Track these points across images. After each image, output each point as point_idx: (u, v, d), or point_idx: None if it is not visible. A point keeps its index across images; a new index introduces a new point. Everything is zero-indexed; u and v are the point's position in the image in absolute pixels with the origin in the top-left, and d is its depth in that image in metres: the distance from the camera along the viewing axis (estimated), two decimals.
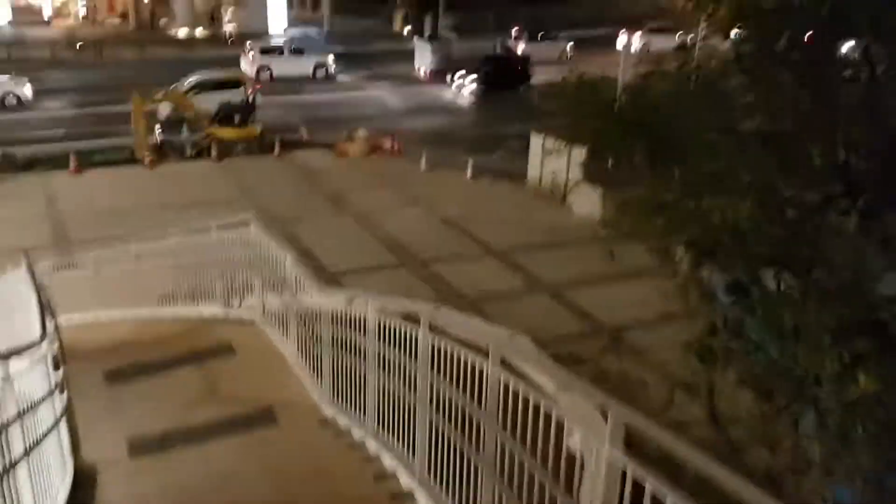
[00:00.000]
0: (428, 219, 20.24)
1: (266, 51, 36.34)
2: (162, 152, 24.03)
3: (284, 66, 35.39)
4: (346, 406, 6.64)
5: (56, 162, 22.76)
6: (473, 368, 4.63)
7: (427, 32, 42.82)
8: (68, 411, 6.56)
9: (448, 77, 35.34)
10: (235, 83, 27.70)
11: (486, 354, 4.46)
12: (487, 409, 4.34)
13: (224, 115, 25.09)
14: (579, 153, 20.82)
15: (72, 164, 22.34)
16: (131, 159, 23.49)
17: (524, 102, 29.57)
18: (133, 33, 43.53)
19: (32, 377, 5.55)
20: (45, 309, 6.45)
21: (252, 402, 7.33)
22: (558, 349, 12.98)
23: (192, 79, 28.25)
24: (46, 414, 5.58)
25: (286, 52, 36.38)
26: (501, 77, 34.08)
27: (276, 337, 8.37)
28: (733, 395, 8.50)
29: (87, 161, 22.90)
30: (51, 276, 12.64)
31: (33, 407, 5.12)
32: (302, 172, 23.58)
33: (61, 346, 6.70)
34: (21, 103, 29.47)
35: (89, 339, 9.49)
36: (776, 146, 6.29)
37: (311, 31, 45.94)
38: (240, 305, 9.36)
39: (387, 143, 25.49)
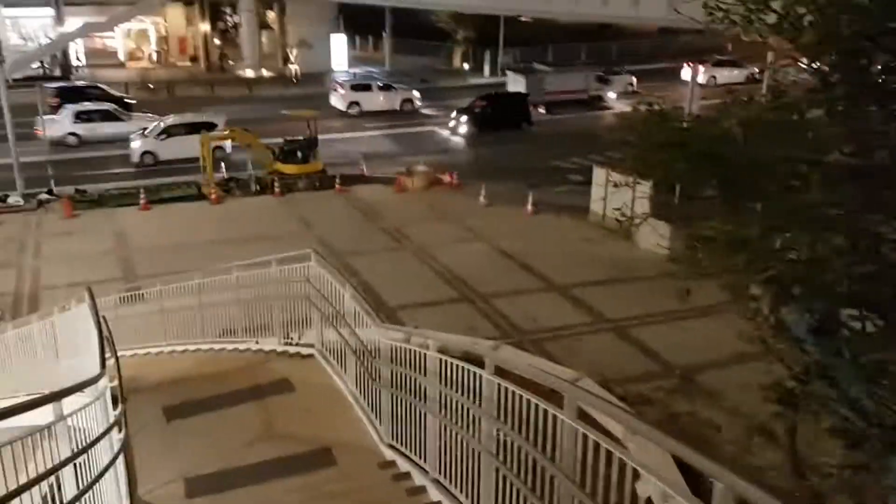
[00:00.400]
0: (488, 253, 20.00)
1: (356, 87, 37.55)
2: (227, 188, 24.52)
3: (373, 101, 36.59)
4: (407, 448, 6.39)
5: (126, 198, 23.43)
6: (541, 413, 4.34)
7: (487, 69, 43.02)
8: (126, 449, 6.48)
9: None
10: (209, 126, 26.96)
11: (548, 393, 4.17)
12: (563, 463, 4.00)
13: (287, 152, 25.51)
14: (645, 186, 20.35)
15: (142, 200, 22.95)
16: (198, 195, 24.02)
17: (587, 135, 29.22)
18: (203, 74, 45.05)
19: (90, 414, 5.47)
20: (106, 345, 6.42)
21: (310, 441, 7.14)
22: (625, 389, 12.52)
23: (163, 123, 28.08)
24: (104, 452, 5.48)
25: (375, 87, 37.64)
26: (497, 117, 32.55)
27: (334, 372, 8.21)
28: (815, 442, 7.94)
29: (156, 197, 23.51)
30: (116, 309, 12.91)
31: (91, 445, 5.01)
32: (362, 206, 23.71)
33: (121, 382, 6.65)
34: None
35: (151, 373, 9.51)
36: (866, 180, 5.86)
37: (373, 69, 46.86)
38: (299, 340, 9.26)
39: (446, 177, 25.47)
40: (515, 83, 38.33)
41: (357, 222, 22.44)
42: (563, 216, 22.49)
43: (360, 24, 50.73)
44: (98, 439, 5.35)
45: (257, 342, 9.96)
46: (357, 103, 36.33)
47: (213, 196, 23.59)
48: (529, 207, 22.83)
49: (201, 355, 10.33)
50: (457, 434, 5.33)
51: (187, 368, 9.44)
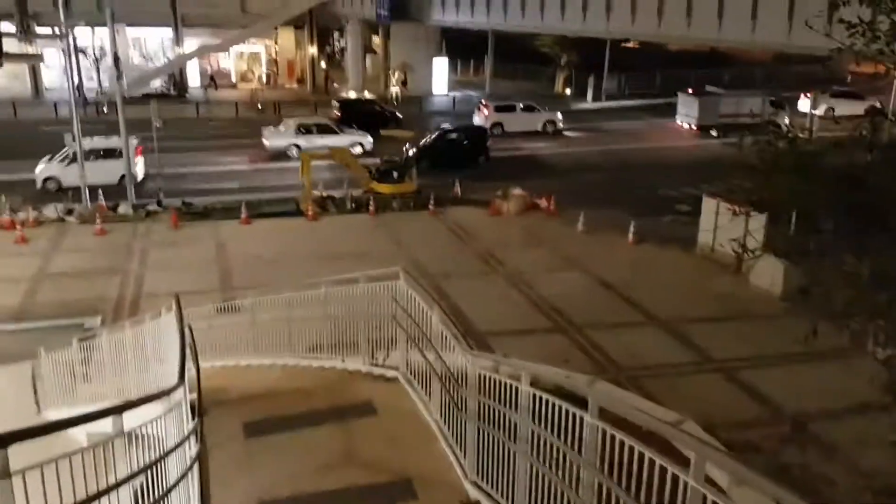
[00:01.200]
0: (585, 282, 19.19)
1: (500, 108, 38.11)
2: (324, 206, 24.76)
3: (516, 122, 37.23)
4: (493, 488, 5.81)
5: (229, 212, 24.00)
6: (646, 463, 3.71)
7: (590, 94, 42.25)
8: (201, 464, 6.20)
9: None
10: (118, 152, 26.07)
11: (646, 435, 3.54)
12: None
13: (383, 171, 25.57)
14: (758, 218, 19.11)
15: (243, 214, 23.45)
16: (296, 212, 24.35)
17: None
18: (308, 96, 46.33)
19: (162, 426, 5.20)
20: (187, 355, 6.19)
21: (390, 470, 6.68)
22: (731, 436, 11.49)
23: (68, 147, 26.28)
24: (176, 465, 5.21)
25: (518, 108, 38.16)
26: (447, 154, 30.11)
27: (418, 398, 7.74)
28: None
29: (256, 212, 23.98)
30: (210, 320, 12.94)
31: (158, 459, 4.72)
32: (455, 228, 23.38)
33: (200, 394, 6.40)
34: None
35: (236, 386, 9.33)
36: None
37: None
38: (384, 361, 8.86)
39: (542, 202, 24.83)
40: (688, 105, 38.42)
41: (449, 244, 22.10)
42: (669, 247, 21.42)
43: (462, 48, 51.09)
44: (168, 453, 5.08)
45: (343, 360, 9.64)
46: (500, 124, 36.84)
47: (309, 213, 23.84)
48: (631, 236, 21.88)
49: (287, 370, 10.10)
50: (552, 481, 4.73)
51: (272, 383, 9.21)
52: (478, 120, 37.37)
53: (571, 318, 16.95)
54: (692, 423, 10.27)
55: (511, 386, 5.41)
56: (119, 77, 24.43)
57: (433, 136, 31.02)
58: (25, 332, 15.20)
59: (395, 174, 25.51)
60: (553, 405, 4.80)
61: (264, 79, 49.40)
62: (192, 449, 5.96)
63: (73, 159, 25.09)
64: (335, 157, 25.49)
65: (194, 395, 7.40)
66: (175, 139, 34.32)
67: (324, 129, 32.55)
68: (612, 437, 4.10)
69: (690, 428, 10.24)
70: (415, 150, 29.84)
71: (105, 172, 25.86)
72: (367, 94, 45.39)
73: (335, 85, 48.31)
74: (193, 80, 47.18)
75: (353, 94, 45.25)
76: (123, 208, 24.19)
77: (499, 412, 5.58)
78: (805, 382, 13.95)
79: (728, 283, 19.11)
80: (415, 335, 7.68)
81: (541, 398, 4.94)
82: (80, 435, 5.05)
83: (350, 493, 6.36)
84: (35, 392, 12.79)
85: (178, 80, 45.50)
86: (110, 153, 26.69)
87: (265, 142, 32.28)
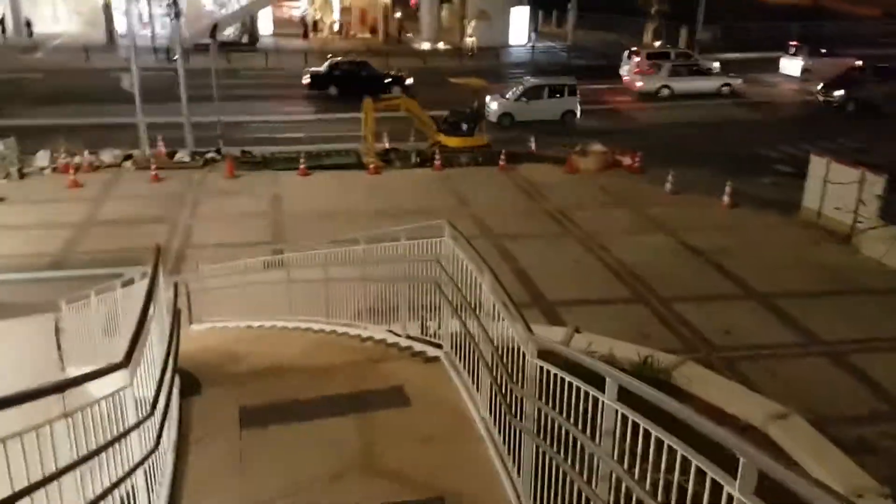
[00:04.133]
0: (671, 248, 17.00)
1: (652, 56, 35.41)
2: (387, 159, 23.15)
3: (687, 83, 34.23)
4: None
5: (288, 162, 22.69)
6: None
7: (682, 46, 39.05)
8: (176, 465, 4.71)
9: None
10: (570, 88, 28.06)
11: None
12: None
13: (452, 123, 23.70)
14: (875, 182, 16.52)
15: (301, 165, 22.11)
16: (357, 164, 22.84)
17: None
18: (380, 46, 44.59)
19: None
20: (152, 327, 4.64)
21: (420, 484, 5.04)
22: (841, 432, 9.50)
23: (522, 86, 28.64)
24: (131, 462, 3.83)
25: (690, 69, 35.25)
26: (530, 111, 27.76)
27: (463, 386, 6.04)
28: None
29: (315, 163, 22.60)
30: (245, 275, 11.63)
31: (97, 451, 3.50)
32: (526, 186, 21.40)
33: (168, 371, 4.87)
34: None
35: (250, 354, 7.87)
36: None
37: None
38: (426, 334, 7.19)
39: (626, 159, 22.53)
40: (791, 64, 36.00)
41: (519, 203, 20.17)
42: (768, 211, 18.96)
43: None
44: (102, 449, 3.65)
45: (379, 330, 8.07)
46: (667, 85, 33.93)
47: (371, 166, 22.27)
48: (726, 199, 19.46)
49: (316, 338, 8.59)
50: None
51: (292, 355, 7.69)
52: (625, 72, 35.12)
53: (655, 288, 14.90)
54: (797, 417, 8.43)
55: (587, 395, 3.63)
56: (177, 20, 23.21)
57: (520, 91, 28.60)
58: (61, 282, 14.23)
59: (465, 126, 23.57)
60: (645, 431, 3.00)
61: (335, 28, 47.85)
62: (163, 443, 4.47)
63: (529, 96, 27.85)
64: (401, 106, 23.73)
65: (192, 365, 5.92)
66: (243, 88, 33.45)
67: (695, 72, 32.95)
68: None
69: (795, 423, 8.35)
70: (497, 105, 27.83)
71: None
72: (441, 46, 43.29)
73: (408, 35, 46.36)
74: (265, 28, 46.07)
75: (426, 45, 43.24)
76: (181, 155, 23.19)
77: (571, 435, 3.81)
78: None
79: (836, 253, 16.68)
80: (460, 307, 5.96)
81: (642, 429, 3.14)
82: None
83: None
84: (59, 347, 11.72)
85: (249, 29, 44.44)
86: None
87: (636, 83, 32.63)
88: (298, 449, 5.47)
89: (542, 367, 4.33)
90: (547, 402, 4.22)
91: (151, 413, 4.18)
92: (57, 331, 11.80)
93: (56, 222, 17.99)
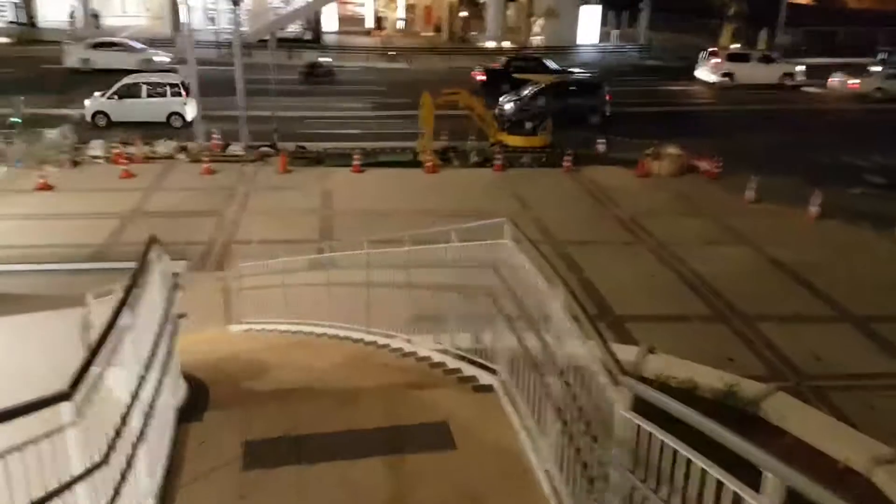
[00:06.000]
0: (754, 262, 15.40)
1: (733, 56, 34.64)
2: (446, 157, 22.05)
3: (749, 73, 33.60)
4: None
5: (342, 159, 21.83)
6: None
7: (760, 48, 37.01)
8: None
9: None
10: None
11: None
12: None
13: (515, 122, 22.45)
14: None
15: (355, 161, 21.21)
16: (414, 162, 21.82)
17: None
18: (444, 44, 43.65)
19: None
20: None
21: None
22: None
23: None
24: None
25: (753, 58, 34.56)
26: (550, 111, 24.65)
27: (523, 427, 4.83)
28: None
29: (370, 160, 21.67)
30: (285, 275, 10.70)
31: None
32: (593, 190, 20.00)
33: (197, 394, 3.81)
34: None
35: (273, 367, 6.82)
36: None
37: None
38: (479, 356, 6.00)
39: (704, 164, 20.90)
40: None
41: (585, 207, 18.79)
42: (860, 225, 17.15)
43: None
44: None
45: (419, 343, 6.95)
46: (730, 74, 33.22)
47: (428, 164, 21.20)
48: (813, 210, 17.70)
49: (348, 350, 7.53)
50: None
51: (318, 370, 6.61)
52: (700, 71, 34.12)
53: (736, 305, 13.38)
54: None
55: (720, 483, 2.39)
56: (235, 6, 22.65)
57: (532, 91, 26.13)
58: (97, 273, 13.56)
59: (529, 125, 22.30)
60: None
61: (399, 25, 47.13)
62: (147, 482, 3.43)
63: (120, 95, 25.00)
64: (461, 102, 22.61)
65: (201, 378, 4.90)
66: (302, 83, 32.96)
67: (765, 58, 32.69)
68: None
69: None
70: (90, 102, 25.15)
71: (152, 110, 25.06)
72: (507, 44, 42.03)
73: (473, 33, 45.26)
74: (329, 25, 45.64)
75: (490, 44, 42.06)
76: (234, 148, 22.58)
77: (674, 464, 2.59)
78: None
79: None
80: (522, 327, 4.76)
81: None
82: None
83: None
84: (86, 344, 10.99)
85: (313, 26, 44.06)
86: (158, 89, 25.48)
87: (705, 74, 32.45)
88: (310, 499, 4.35)
89: (633, 425, 3.11)
90: (643, 472, 2.99)
91: (105, 461, 3.11)
92: (85, 326, 11.07)
93: (103, 212, 17.46)
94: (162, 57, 33.99)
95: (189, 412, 5.03)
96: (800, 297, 13.91)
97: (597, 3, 43.43)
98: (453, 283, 6.28)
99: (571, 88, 26.61)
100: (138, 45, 35.13)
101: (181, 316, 5.99)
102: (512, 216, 14.42)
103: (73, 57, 33.27)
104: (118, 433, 3.39)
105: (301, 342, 9.12)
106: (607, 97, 26.45)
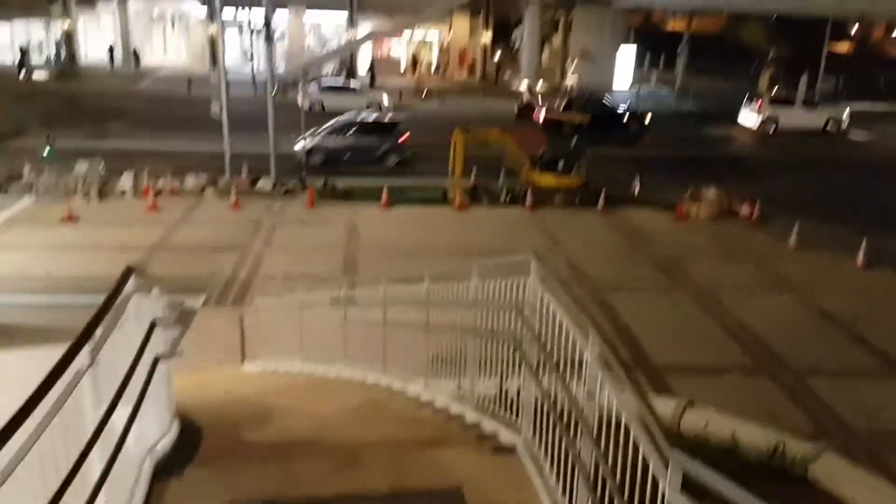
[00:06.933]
0: (801, 312, 14.50)
1: (776, 100, 33.69)
2: (475, 195, 21.56)
3: (793, 118, 32.68)
4: None
5: (370, 195, 21.45)
6: None
7: (800, 95, 36.19)
8: None
9: None
10: None
11: None
12: None
13: (547, 161, 21.93)
14: None
15: (383, 198, 20.82)
16: (443, 199, 21.36)
17: None
18: (477, 85, 43.62)
19: None
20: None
21: None
22: None
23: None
24: None
25: (797, 102, 33.56)
26: None
27: (549, 498, 4.14)
28: None
29: (399, 197, 21.26)
30: (300, 311, 10.17)
31: None
32: (628, 232, 19.28)
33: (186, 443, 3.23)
34: None
35: (274, 416, 6.22)
36: None
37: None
38: (500, 401, 5.33)
39: (743, 208, 20.11)
40: None
41: (620, 250, 18.06)
42: None
43: (648, 44, 46.26)
44: None
45: (437, 388, 6.32)
46: (774, 119, 32.23)
47: (457, 201, 20.71)
48: (861, 257, 16.78)
49: (360, 395, 6.91)
50: None
51: (323, 421, 5.98)
52: (745, 116, 33.01)
53: (782, 358, 12.51)
54: None
55: None
56: (269, 44, 22.68)
57: (326, 130, 25.07)
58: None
59: (561, 164, 21.76)
60: None
61: (433, 67, 47.30)
62: None
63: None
64: (492, 140, 22.17)
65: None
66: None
67: (809, 102, 32.29)
68: None
69: None
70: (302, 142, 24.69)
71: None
72: (540, 87, 41.80)
73: (507, 74, 45.20)
74: (363, 67, 46.02)
75: (523, 86, 41.88)
76: (262, 184, 22.37)
77: None
78: None
79: None
80: (550, 381, 4.11)
81: None
82: None
83: None
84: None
85: (348, 67, 44.41)
86: None
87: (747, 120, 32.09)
88: None
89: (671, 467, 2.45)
90: None
91: None
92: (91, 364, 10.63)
93: (126, 245, 17.19)
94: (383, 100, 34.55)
95: (171, 465, 4.44)
96: (850, 351, 12.99)
97: (632, 46, 43.14)
98: (473, 325, 5.66)
99: (368, 128, 25.54)
100: (358, 87, 36.12)
101: (171, 356, 5.45)
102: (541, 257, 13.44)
103: (306, 99, 33.74)
104: (60, 494, 2.81)
105: (313, 385, 8.55)
106: (403, 139, 25.39)
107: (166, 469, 4.39)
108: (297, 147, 24.94)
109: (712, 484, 2.42)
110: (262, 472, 4.56)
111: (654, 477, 2.76)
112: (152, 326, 4.27)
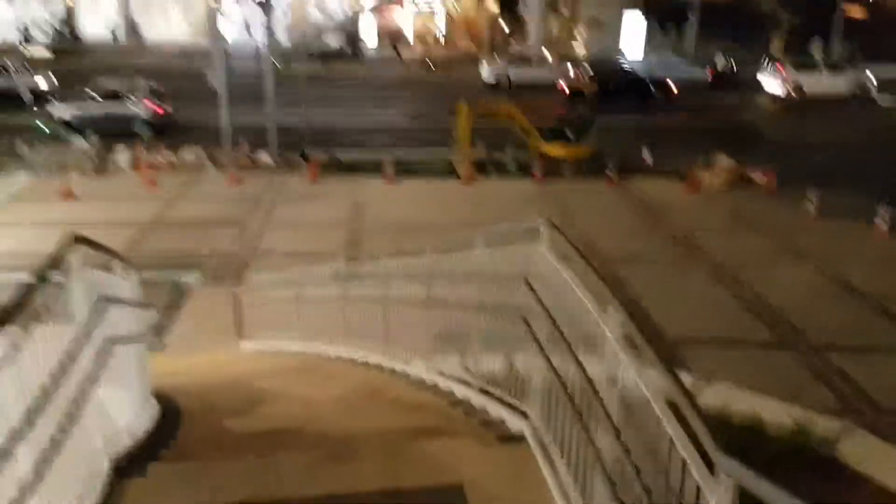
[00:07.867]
0: (821, 284, 13.93)
1: (802, 66, 32.55)
2: (482, 167, 20.96)
3: (817, 84, 31.53)
4: None
5: (375, 168, 20.89)
6: None
7: (819, 59, 35.16)
8: None
9: None
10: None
11: None
12: None
13: (555, 130, 21.27)
14: None
15: (388, 171, 20.25)
16: (449, 172, 20.78)
17: None
18: (484, 55, 42.71)
19: None
20: None
21: None
22: None
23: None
24: None
25: (821, 67, 32.51)
26: None
27: (561, 493, 3.65)
28: None
29: (404, 170, 20.68)
30: (301, 288, 9.73)
31: None
32: (640, 203, 18.68)
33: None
34: None
35: (264, 401, 5.76)
36: None
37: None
38: (505, 388, 4.83)
39: (759, 176, 19.44)
40: None
41: (632, 222, 17.49)
42: None
43: (657, 11, 45.13)
44: None
45: (441, 367, 5.83)
46: (798, 86, 31.20)
47: (464, 175, 20.12)
48: (883, 226, 16.15)
49: (359, 378, 6.46)
50: None
51: (316, 407, 5.51)
52: (767, 83, 32.03)
53: (803, 332, 11.97)
54: None
55: None
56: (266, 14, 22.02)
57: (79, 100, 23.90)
58: None
59: (570, 134, 21.10)
60: None
61: (439, 38, 46.43)
62: None
63: None
64: (501, 111, 21.52)
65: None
66: (340, 93, 32.30)
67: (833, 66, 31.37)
68: None
69: None
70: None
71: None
72: (547, 55, 40.87)
73: (513, 45, 44.27)
74: (370, 41, 45.23)
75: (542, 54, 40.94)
76: (263, 157, 21.82)
77: None
78: None
79: None
80: (563, 360, 3.60)
81: None
82: None
83: None
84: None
85: (353, 39, 43.58)
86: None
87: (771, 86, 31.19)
88: None
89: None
90: None
91: None
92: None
93: (123, 221, 16.77)
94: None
95: (136, 460, 3.96)
96: (875, 324, 12.44)
97: (640, 14, 42.08)
98: (477, 299, 5.15)
99: (118, 96, 24.22)
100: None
101: (142, 338, 4.98)
102: None
103: (491, 73, 34.31)
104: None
105: (309, 366, 8.10)
106: (153, 105, 24.25)
107: (129, 465, 3.92)
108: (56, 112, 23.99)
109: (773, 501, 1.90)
110: (241, 466, 4.08)
111: (685, 465, 2.25)
112: (103, 305, 3.77)
